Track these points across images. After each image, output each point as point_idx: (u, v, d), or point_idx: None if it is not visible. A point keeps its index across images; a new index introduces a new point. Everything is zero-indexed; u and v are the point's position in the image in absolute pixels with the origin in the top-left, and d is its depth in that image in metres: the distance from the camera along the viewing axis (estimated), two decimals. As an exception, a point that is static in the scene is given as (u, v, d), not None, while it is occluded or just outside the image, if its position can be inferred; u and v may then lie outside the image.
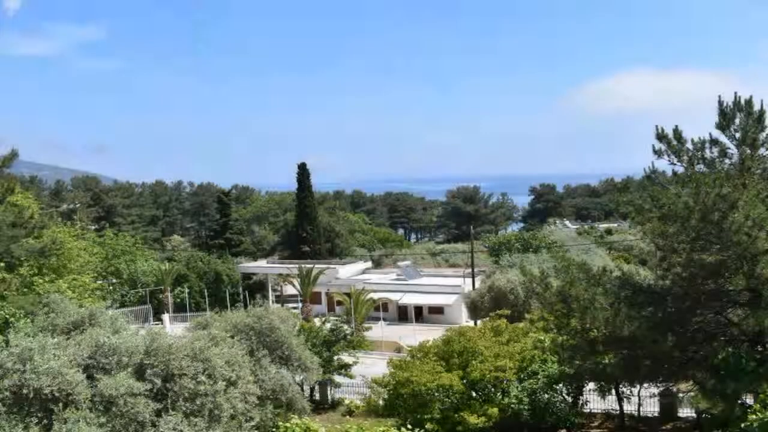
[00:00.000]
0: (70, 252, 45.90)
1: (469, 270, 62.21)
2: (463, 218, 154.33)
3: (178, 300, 64.50)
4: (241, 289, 68.97)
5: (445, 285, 64.95)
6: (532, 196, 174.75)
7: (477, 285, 57.29)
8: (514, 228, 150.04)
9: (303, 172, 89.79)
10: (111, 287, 61.23)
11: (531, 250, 68.66)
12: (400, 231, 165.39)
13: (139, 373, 15.54)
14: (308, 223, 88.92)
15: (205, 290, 65.36)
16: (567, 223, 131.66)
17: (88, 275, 46.78)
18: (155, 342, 16.09)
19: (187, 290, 64.52)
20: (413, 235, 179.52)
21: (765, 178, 18.74)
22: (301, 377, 23.71)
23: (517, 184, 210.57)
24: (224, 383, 16.16)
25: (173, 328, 47.48)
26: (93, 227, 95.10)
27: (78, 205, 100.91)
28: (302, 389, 27.13)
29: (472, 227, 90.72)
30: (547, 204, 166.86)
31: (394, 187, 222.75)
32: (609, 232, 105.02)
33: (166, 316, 58.11)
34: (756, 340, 19.29)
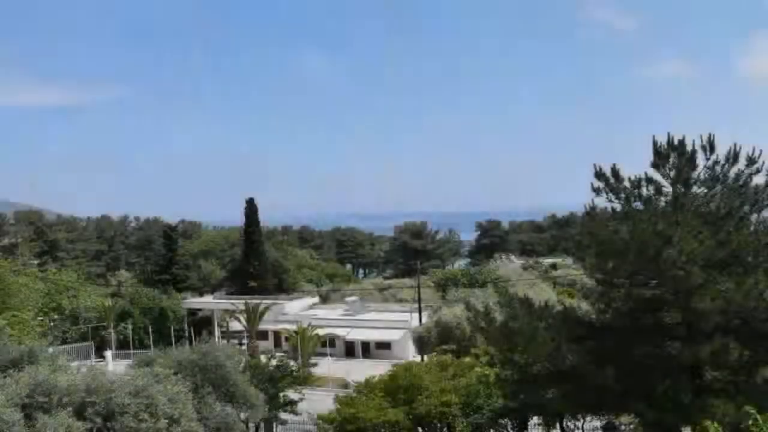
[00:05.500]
0: (11, 287, 44.94)
1: (416, 305, 62.43)
2: (410, 254, 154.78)
3: (122, 336, 63.36)
4: (186, 325, 68.00)
5: (392, 320, 64.98)
6: (478, 232, 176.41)
7: (424, 320, 57.51)
8: (460, 263, 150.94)
9: (251, 207, 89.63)
10: (52, 324, 59.93)
11: (477, 285, 69.22)
12: (348, 266, 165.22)
13: (80, 412, 15.30)
14: (255, 258, 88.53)
15: (150, 326, 64.33)
16: (512, 258, 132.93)
17: (29, 311, 45.78)
18: (96, 380, 15.88)
19: (130, 326, 63.46)
20: (361, 271, 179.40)
21: (698, 215, 19.39)
22: (246, 414, 23.51)
23: (462, 221, 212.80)
24: (166, 421, 15.99)
25: (116, 366, 46.59)
26: (35, 262, 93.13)
27: (20, 240, 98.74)
28: (247, 427, 26.85)
29: (419, 263, 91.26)
30: (492, 240, 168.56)
31: (343, 222, 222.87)
32: (554, 266, 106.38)
33: (109, 353, 56.97)
34: (693, 372, 19.79)
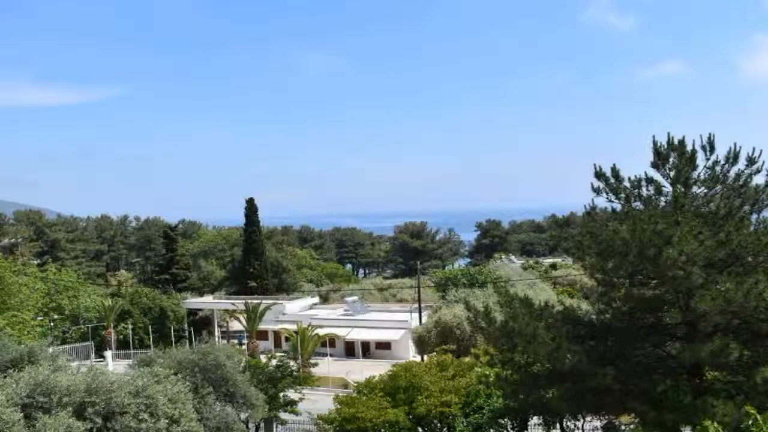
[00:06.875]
0: (10, 287, 44.93)
1: (416, 305, 62.41)
2: (410, 253, 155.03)
3: (122, 337, 63.36)
4: (186, 325, 68.00)
5: (392, 320, 64.93)
6: (478, 232, 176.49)
7: (424, 320, 57.46)
8: (460, 263, 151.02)
9: (251, 207, 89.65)
10: (52, 324, 59.95)
11: (477, 285, 69.06)
12: (348, 266, 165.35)
13: (80, 412, 15.29)
14: (255, 258, 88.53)
15: (150, 326, 64.34)
16: (512, 258, 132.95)
17: (29, 311, 45.76)
18: (96, 380, 15.87)
19: (130, 326, 63.46)
20: (361, 270, 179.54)
21: (698, 215, 19.39)
22: (246, 414, 23.50)
23: (462, 221, 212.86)
24: (167, 421, 15.98)
25: (116, 366, 46.62)
26: (35, 262, 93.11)
27: (20, 240, 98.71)
28: (247, 427, 26.85)
29: (419, 262, 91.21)
30: (492, 239, 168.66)
31: (343, 222, 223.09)
32: (554, 266, 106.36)
33: (108, 353, 56.99)
34: (693, 372, 19.79)
